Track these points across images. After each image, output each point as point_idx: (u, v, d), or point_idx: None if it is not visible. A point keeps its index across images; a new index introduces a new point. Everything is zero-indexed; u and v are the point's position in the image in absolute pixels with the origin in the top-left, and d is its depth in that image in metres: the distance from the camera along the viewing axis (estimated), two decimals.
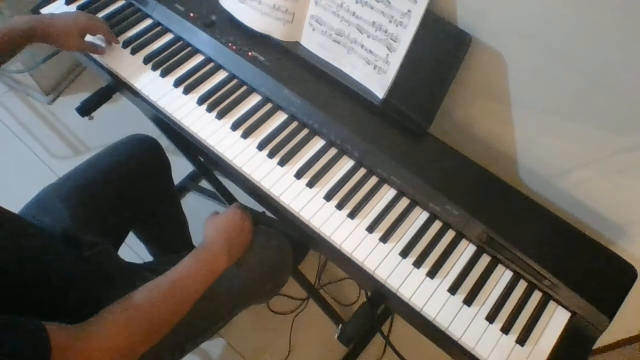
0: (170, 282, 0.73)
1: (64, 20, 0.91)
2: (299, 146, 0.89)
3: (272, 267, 0.95)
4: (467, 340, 0.73)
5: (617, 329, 0.87)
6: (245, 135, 0.90)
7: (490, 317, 0.75)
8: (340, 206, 0.82)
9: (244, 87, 0.96)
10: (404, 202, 0.84)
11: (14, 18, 0.87)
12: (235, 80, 0.97)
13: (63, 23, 0.91)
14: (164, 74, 0.96)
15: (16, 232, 0.73)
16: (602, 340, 0.82)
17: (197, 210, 1.50)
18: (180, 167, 1.45)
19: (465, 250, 0.81)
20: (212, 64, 0.99)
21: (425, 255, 0.79)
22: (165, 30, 1.03)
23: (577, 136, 0.81)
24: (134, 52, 0.99)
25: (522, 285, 0.78)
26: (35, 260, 0.70)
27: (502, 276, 0.79)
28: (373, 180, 0.86)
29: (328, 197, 0.84)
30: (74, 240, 0.85)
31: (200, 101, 0.93)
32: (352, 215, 0.82)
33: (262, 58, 0.95)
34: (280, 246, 0.96)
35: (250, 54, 0.96)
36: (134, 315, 0.66)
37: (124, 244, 1.04)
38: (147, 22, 1.05)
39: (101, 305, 0.69)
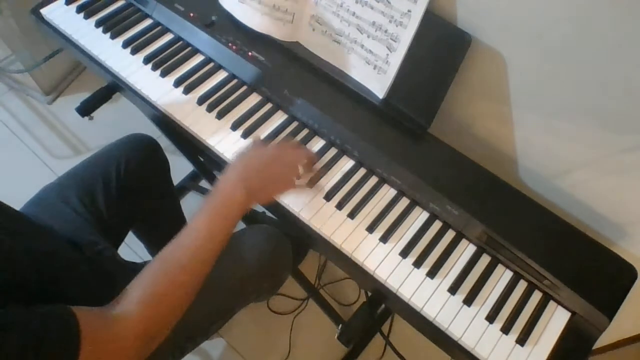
0: (185, 245, 0.68)
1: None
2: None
3: (272, 265, 0.95)
4: (467, 340, 0.73)
5: (617, 329, 0.86)
6: (245, 135, 0.89)
7: (490, 317, 0.75)
8: (340, 206, 0.82)
9: (244, 87, 0.96)
10: (404, 202, 0.84)
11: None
12: (235, 80, 0.97)
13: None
14: (164, 74, 0.96)
15: (21, 231, 0.73)
16: (602, 340, 0.82)
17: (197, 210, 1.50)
18: (180, 167, 1.45)
19: (465, 250, 0.81)
20: (212, 64, 0.99)
21: (425, 255, 0.79)
22: (165, 30, 1.03)
23: (577, 136, 0.81)
24: (134, 52, 0.99)
25: (522, 285, 0.78)
26: (40, 260, 0.70)
27: (502, 276, 0.79)
28: (373, 180, 0.86)
29: (328, 197, 0.84)
30: (76, 240, 0.85)
31: (200, 101, 0.93)
32: (352, 215, 0.82)
33: (262, 58, 0.95)
34: (280, 244, 0.96)
35: (250, 54, 0.96)
36: (154, 290, 0.63)
37: (123, 243, 1.04)
38: (147, 22, 1.05)
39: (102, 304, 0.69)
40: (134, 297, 0.62)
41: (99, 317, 0.58)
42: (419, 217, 0.83)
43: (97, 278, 0.82)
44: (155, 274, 0.65)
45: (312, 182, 0.84)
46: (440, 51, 0.82)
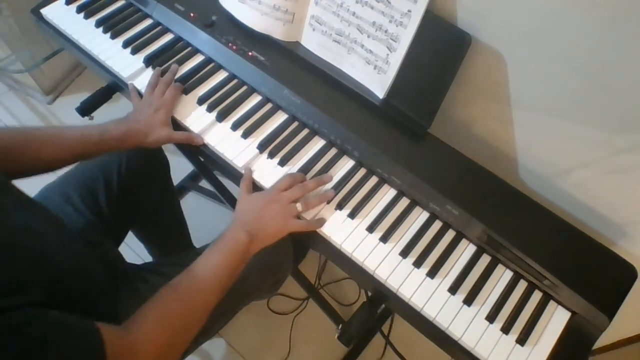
0: (192, 278, 0.72)
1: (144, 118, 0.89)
2: (300, 146, 0.89)
3: (273, 264, 0.95)
4: (467, 340, 0.73)
5: (617, 329, 0.86)
6: (246, 135, 0.90)
7: (490, 317, 0.75)
8: (340, 206, 0.82)
9: (244, 87, 0.96)
10: (404, 202, 0.84)
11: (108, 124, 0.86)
12: (235, 81, 0.97)
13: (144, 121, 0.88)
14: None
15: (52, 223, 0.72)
16: (602, 340, 0.82)
17: (197, 210, 1.50)
18: (180, 167, 1.45)
19: (465, 250, 0.81)
20: (212, 64, 0.99)
21: (425, 255, 0.79)
22: (165, 30, 1.03)
23: (577, 136, 0.81)
24: (134, 52, 0.99)
25: (522, 285, 0.78)
26: (56, 254, 0.69)
27: (502, 276, 0.79)
28: (373, 180, 0.86)
29: None
30: (87, 238, 0.85)
31: (201, 101, 0.93)
32: (352, 215, 0.82)
33: (262, 58, 0.95)
34: (281, 243, 0.96)
35: (250, 54, 0.96)
36: (165, 316, 0.66)
37: (123, 243, 1.04)
38: (147, 22, 1.05)
39: (110, 305, 0.68)
40: (150, 320, 0.64)
41: (121, 336, 0.59)
42: (419, 217, 0.83)
43: (107, 278, 0.82)
44: (168, 300, 0.68)
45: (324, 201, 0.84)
46: (440, 51, 0.82)
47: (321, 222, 0.81)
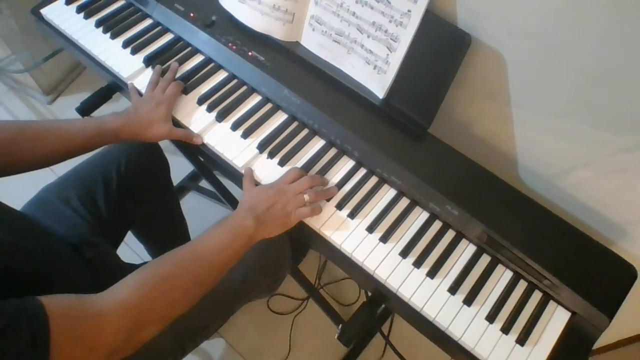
0: (189, 248, 0.70)
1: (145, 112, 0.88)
2: (299, 146, 0.89)
3: (272, 262, 0.95)
4: (467, 340, 0.73)
5: (617, 329, 0.86)
6: (246, 135, 0.90)
7: (490, 317, 0.75)
8: (340, 206, 0.82)
9: (244, 87, 0.96)
10: (404, 202, 0.84)
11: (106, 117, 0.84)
12: (235, 81, 0.97)
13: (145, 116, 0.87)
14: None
15: (22, 231, 0.72)
16: (602, 340, 0.82)
17: (197, 210, 1.50)
18: (180, 167, 1.45)
19: (465, 250, 0.81)
20: (212, 64, 0.99)
21: (425, 255, 0.79)
22: (165, 30, 1.03)
23: (577, 136, 0.81)
24: (134, 52, 0.99)
25: (522, 285, 0.78)
26: (38, 261, 0.70)
27: (502, 276, 0.79)
28: (373, 180, 0.86)
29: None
30: (75, 240, 0.85)
31: (200, 101, 0.93)
32: (352, 215, 0.82)
33: (262, 58, 0.95)
34: (279, 242, 0.96)
35: (250, 54, 0.96)
36: (149, 276, 0.63)
37: (123, 243, 1.04)
38: (147, 22, 1.05)
39: None
40: (130, 283, 0.61)
41: (80, 304, 0.56)
42: (419, 217, 0.83)
43: (96, 279, 0.82)
44: (157, 264, 0.66)
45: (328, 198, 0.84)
46: (440, 51, 0.82)
47: (320, 208, 0.81)
